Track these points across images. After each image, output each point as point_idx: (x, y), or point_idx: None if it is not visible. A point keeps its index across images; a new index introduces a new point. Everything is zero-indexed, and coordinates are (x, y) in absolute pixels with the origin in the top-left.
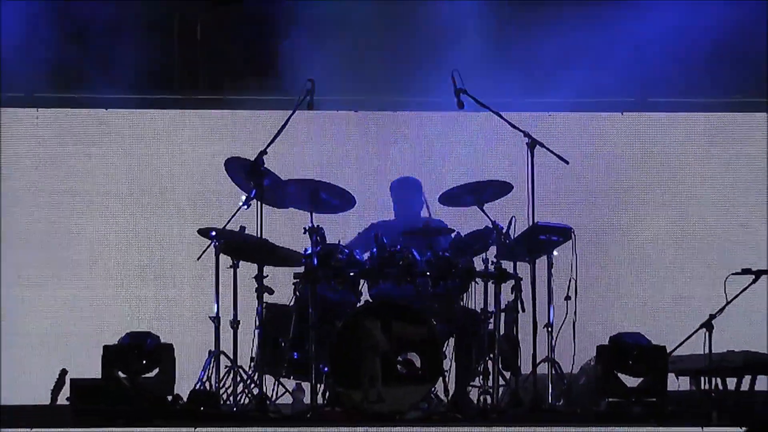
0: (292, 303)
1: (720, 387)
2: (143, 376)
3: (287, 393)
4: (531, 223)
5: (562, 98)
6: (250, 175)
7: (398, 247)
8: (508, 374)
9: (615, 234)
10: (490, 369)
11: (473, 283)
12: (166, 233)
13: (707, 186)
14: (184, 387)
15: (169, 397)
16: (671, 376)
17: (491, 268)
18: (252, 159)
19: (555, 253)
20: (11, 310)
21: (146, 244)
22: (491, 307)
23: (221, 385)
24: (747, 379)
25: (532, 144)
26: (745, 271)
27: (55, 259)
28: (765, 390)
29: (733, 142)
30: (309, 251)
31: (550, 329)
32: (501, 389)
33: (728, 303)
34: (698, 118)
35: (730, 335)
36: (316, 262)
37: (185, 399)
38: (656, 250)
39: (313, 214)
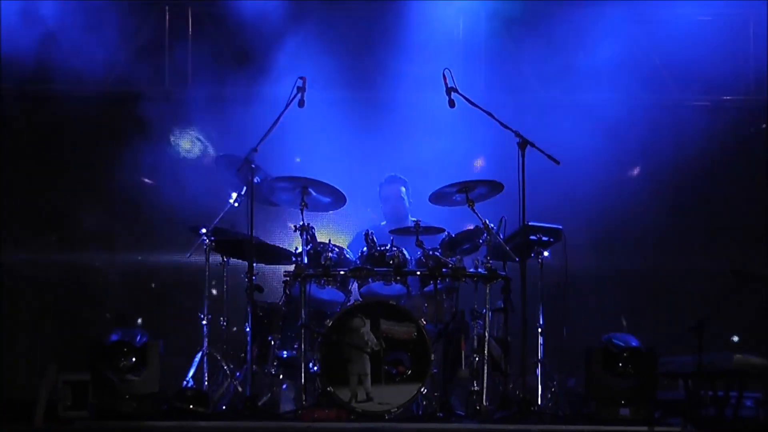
0: (281, 301)
1: (710, 390)
2: (132, 372)
3: (276, 391)
4: (522, 223)
5: None
6: (240, 172)
7: (388, 245)
8: (497, 375)
9: (607, 235)
10: (479, 369)
11: (463, 282)
12: (155, 229)
13: (703, 183)
14: (172, 384)
15: (158, 394)
16: (661, 379)
17: (481, 268)
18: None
19: (546, 253)
20: None
21: (135, 240)
22: (481, 307)
23: (210, 382)
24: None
25: (523, 144)
26: (735, 273)
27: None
28: (754, 394)
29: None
30: (299, 249)
31: (540, 330)
32: (490, 390)
33: (719, 305)
34: (689, 111)
35: (722, 338)
36: (306, 260)
37: (174, 396)
38: (648, 250)
39: (304, 212)
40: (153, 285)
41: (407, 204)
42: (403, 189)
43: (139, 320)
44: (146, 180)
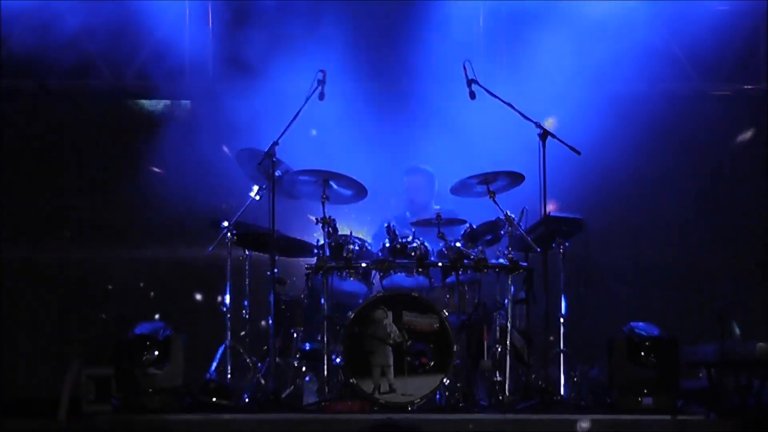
0: (304, 294)
1: (733, 379)
2: (155, 366)
3: (299, 383)
4: (543, 214)
5: None
6: (262, 165)
7: (410, 237)
8: (519, 365)
9: (630, 225)
10: (502, 360)
11: (485, 273)
12: (176, 224)
13: (721, 178)
14: (196, 377)
15: (181, 388)
16: (683, 367)
17: (503, 259)
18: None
19: (567, 244)
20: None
21: (158, 234)
22: (503, 298)
23: (233, 375)
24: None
25: (544, 135)
26: (760, 264)
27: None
28: None
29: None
30: (321, 242)
31: (562, 320)
32: (513, 380)
33: (742, 295)
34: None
35: (745, 327)
36: (328, 252)
37: (197, 389)
38: (670, 241)
39: (326, 205)
40: (176, 277)
41: (428, 195)
42: (424, 180)
43: (157, 315)
44: (155, 168)
